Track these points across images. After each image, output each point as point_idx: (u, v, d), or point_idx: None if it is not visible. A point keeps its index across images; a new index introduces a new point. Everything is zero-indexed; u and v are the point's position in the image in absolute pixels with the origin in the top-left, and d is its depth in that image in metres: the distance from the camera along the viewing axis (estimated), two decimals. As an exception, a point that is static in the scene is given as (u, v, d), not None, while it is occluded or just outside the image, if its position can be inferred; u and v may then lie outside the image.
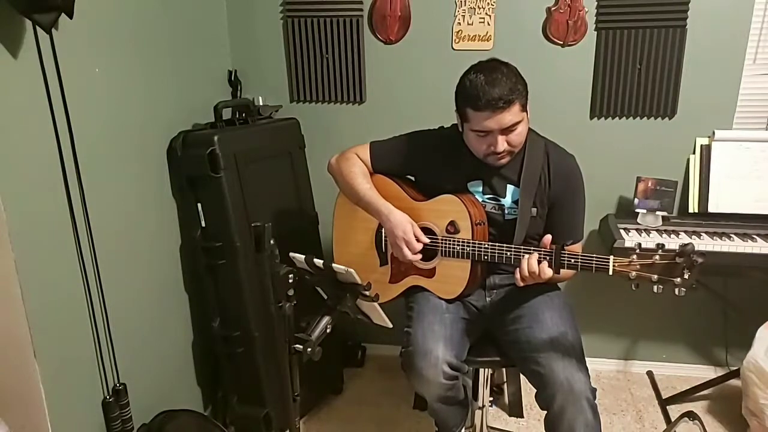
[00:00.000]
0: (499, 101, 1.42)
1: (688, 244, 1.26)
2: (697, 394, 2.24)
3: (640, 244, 1.33)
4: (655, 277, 1.28)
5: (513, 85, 1.45)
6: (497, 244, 1.53)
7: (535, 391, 1.50)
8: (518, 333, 1.57)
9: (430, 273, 1.66)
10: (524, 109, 1.50)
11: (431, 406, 1.64)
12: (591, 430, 1.42)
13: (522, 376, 2.18)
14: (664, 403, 2.26)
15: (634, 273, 1.31)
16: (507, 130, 1.48)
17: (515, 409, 2.22)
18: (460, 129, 1.59)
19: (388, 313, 1.37)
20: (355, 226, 1.77)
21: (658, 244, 1.31)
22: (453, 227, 1.59)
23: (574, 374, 1.42)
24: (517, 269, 1.46)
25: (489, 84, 1.43)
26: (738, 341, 2.21)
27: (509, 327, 1.61)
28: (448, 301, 1.64)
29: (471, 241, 1.56)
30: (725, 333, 2.33)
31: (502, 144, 1.49)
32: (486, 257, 1.55)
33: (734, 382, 2.17)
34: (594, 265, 1.37)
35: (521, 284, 1.46)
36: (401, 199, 1.69)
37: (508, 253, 1.51)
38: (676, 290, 1.27)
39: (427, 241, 1.60)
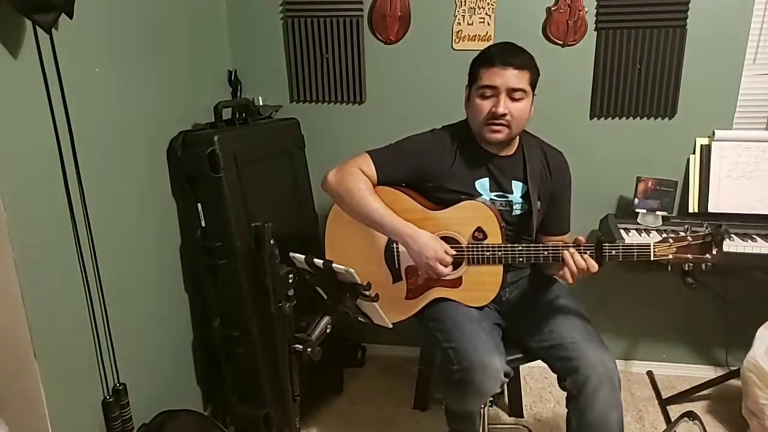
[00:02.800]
0: (512, 60, 1.49)
1: (720, 225, 1.40)
2: (697, 394, 2.24)
3: (676, 231, 1.47)
4: (691, 256, 1.42)
5: (529, 59, 1.53)
6: (531, 245, 1.54)
7: (559, 378, 1.52)
8: (539, 323, 1.57)
9: (456, 283, 1.61)
10: (532, 87, 1.54)
11: (470, 416, 1.62)
12: (619, 410, 1.46)
13: (523, 373, 2.20)
14: (664, 403, 2.26)
15: (671, 256, 1.42)
16: (511, 95, 1.50)
17: (515, 409, 2.22)
18: (466, 101, 1.60)
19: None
20: (357, 243, 1.69)
21: (686, 227, 1.44)
22: (481, 233, 1.56)
23: (604, 356, 1.46)
24: (564, 269, 1.46)
25: (506, 48, 1.53)
26: (738, 341, 2.21)
27: (528, 320, 1.62)
28: (476, 309, 1.62)
29: (503, 246, 1.54)
30: (725, 333, 2.33)
31: (504, 105, 1.50)
32: (521, 260, 1.55)
33: (734, 382, 2.17)
34: (636, 254, 1.43)
35: (571, 281, 1.48)
36: (414, 210, 1.62)
37: (546, 253, 1.50)
38: (703, 266, 1.41)
39: (454, 253, 1.55)
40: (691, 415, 1.79)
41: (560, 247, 1.48)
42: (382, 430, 2.15)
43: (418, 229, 1.55)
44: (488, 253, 1.54)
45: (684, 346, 2.45)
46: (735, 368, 2.16)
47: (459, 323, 1.53)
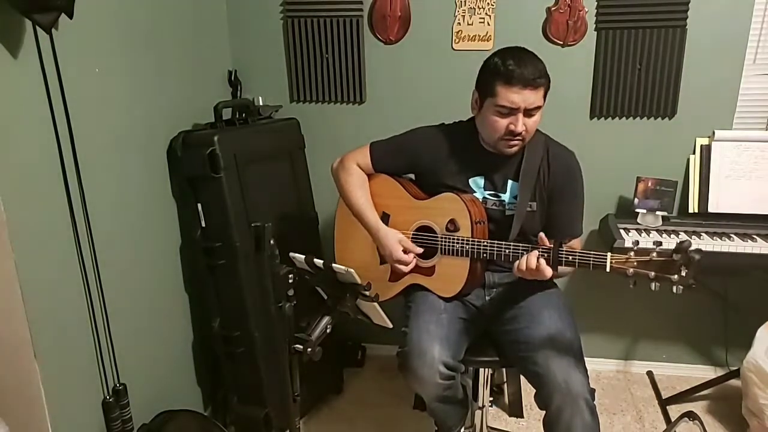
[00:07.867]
0: (530, 78, 1.47)
1: (684, 241, 1.26)
2: (697, 394, 2.24)
3: (637, 242, 1.33)
4: (653, 274, 1.28)
5: (543, 69, 1.51)
6: (495, 241, 1.54)
7: (534, 391, 1.50)
8: (516, 333, 1.57)
9: (430, 271, 1.67)
10: (545, 97, 1.54)
11: (429, 405, 1.64)
12: (589, 431, 1.42)
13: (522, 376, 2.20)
14: (664, 403, 2.26)
15: (631, 270, 1.31)
16: (528, 113, 1.51)
17: (515, 409, 2.22)
18: (477, 110, 1.60)
19: (389, 313, 1.38)
20: (357, 225, 1.77)
21: (655, 242, 1.31)
22: (453, 225, 1.60)
23: (571, 375, 1.42)
24: (516, 262, 1.47)
25: (522, 62, 1.48)
26: (738, 341, 2.21)
27: (508, 326, 1.61)
28: (447, 300, 1.65)
29: (470, 239, 1.57)
30: (725, 333, 2.33)
31: (522, 123, 1.51)
32: (485, 254, 1.56)
33: (734, 382, 2.17)
34: (591, 262, 1.37)
35: (518, 275, 1.48)
36: (403, 197, 1.71)
37: (507, 251, 1.52)
38: (674, 288, 1.27)
39: (420, 251, 1.65)
40: (691, 415, 1.79)
41: (521, 247, 1.49)
42: (382, 430, 2.15)
43: (382, 227, 1.68)
44: (457, 245, 1.59)
45: (684, 346, 2.45)
46: (735, 368, 2.16)
47: (419, 311, 1.60)
